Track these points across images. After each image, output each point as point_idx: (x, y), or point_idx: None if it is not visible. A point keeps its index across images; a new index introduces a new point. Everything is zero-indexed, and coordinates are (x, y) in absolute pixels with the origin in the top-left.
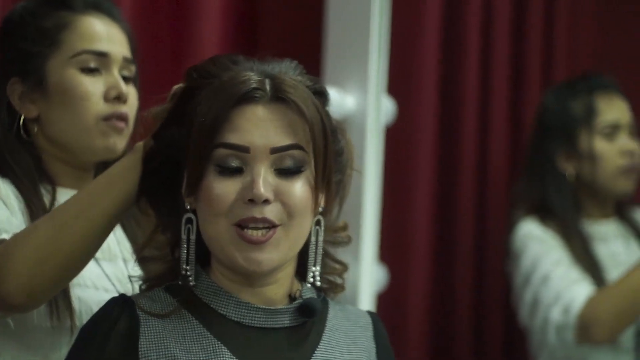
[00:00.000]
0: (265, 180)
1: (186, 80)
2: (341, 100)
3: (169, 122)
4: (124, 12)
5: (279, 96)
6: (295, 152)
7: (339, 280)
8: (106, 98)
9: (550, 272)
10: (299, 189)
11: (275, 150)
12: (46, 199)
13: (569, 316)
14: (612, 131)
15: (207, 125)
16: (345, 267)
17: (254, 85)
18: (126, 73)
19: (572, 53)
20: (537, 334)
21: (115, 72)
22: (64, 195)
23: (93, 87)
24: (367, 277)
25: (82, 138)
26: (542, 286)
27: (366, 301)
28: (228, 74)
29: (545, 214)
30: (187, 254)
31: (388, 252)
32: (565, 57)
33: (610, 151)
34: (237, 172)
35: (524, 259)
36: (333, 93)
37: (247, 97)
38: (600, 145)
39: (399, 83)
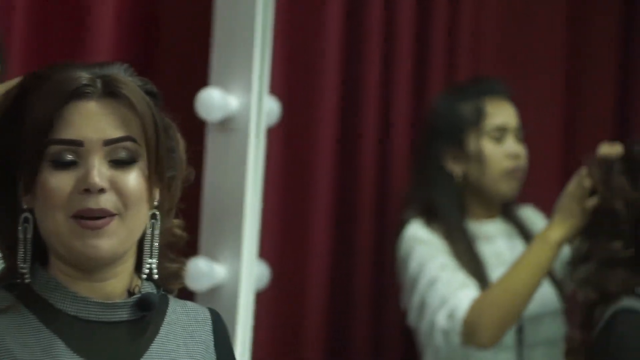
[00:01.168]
0: (99, 171)
1: (20, 85)
2: (225, 101)
3: (1, 127)
4: (18, 18)
5: (110, 91)
6: (128, 144)
7: (176, 280)
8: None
9: (436, 277)
10: (133, 179)
11: (108, 143)
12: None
13: (454, 321)
14: (500, 134)
15: (39, 123)
16: (182, 264)
17: (84, 82)
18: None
19: (475, 56)
20: (424, 336)
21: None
22: None
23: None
24: (247, 275)
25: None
26: (429, 290)
27: (245, 297)
28: (59, 75)
29: (431, 215)
30: (25, 252)
31: (286, 250)
32: (469, 60)
33: (496, 153)
34: (72, 165)
35: (410, 262)
36: (217, 93)
37: (79, 93)
38: (488, 147)
39: (298, 83)
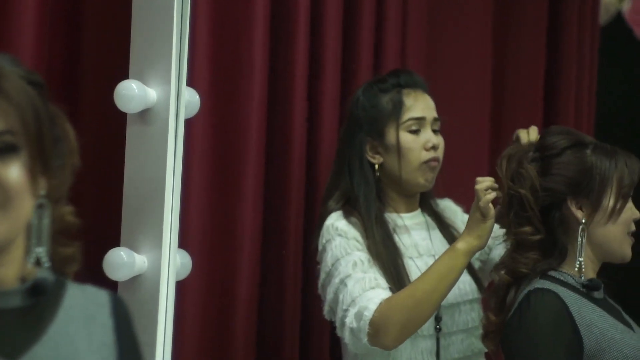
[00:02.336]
0: None
1: None
2: (144, 93)
3: None
4: None
5: None
6: (7, 137)
7: (71, 262)
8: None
9: (349, 276)
10: (13, 171)
11: None
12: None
13: (361, 321)
14: (417, 126)
15: None
16: (76, 248)
17: None
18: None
19: (402, 54)
20: (337, 330)
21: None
22: None
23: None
24: (168, 265)
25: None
26: (341, 288)
27: (167, 287)
28: None
29: (352, 207)
30: None
31: (213, 241)
32: (395, 53)
33: (414, 145)
34: None
35: (327, 257)
36: (136, 86)
37: None
38: (406, 138)
39: (226, 75)
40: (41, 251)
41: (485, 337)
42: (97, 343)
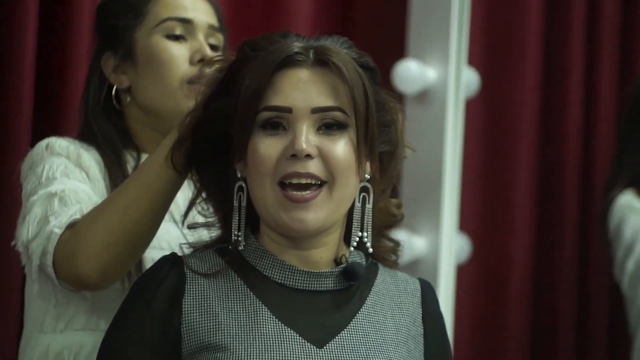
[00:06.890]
0: (306, 137)
1: (237, 53)
2: (422, 73)
3: (219, 93)
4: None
5: (321, 60)
6: (337, 114)
7: (392, 257)
8: (191, 61)
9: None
10: (341, 147)
11: (316, 110)
12: (130, 165)
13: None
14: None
15: (251, 89)
16: (397, 244)
17: (296, 50)
18: (213, 41)
19: None
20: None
21: (201, 37)
22: None
23: (178, 51)
24: (447, 248)
25: (168, 102)
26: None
27: (446, 271)
28: (274, 45)
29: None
30: (239, 220)
31: (487, 224)
32: None
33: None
34: (281, 132)
35: (625, 230)
36: (415, 66)
37: (290, 61)
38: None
39: (498, 55)
40: (364, 236)
41: None
42: (403, 334)
